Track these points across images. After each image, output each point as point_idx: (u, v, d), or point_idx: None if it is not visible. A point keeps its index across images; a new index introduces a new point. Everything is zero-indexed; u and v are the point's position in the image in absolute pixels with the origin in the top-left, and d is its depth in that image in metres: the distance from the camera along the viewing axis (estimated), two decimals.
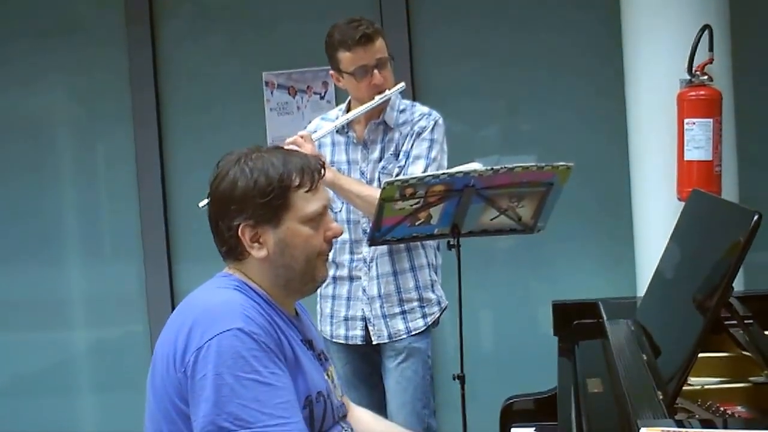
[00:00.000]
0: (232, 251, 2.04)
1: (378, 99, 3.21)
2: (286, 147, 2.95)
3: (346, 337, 3.37)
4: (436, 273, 3.39)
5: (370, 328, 3.33)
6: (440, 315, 3.39)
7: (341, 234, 2.18)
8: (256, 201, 1.98)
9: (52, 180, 4.98)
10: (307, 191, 2.02)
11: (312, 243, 2.04)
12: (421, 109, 3.32)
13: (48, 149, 4.98)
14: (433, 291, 3.36)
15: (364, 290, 3.33)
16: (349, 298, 3.35)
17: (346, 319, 3.36)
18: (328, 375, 2.15)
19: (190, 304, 2.02)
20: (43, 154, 4.97)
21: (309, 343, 2.11)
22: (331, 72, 3.30)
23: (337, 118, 3.34)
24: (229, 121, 4.74)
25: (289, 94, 4.67)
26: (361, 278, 3.32)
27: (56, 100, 5.03)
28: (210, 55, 4.82)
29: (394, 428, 2.41)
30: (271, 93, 4.69)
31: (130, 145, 4.83)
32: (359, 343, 3.35)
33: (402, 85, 3.28)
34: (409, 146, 3.25)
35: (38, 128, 4.97)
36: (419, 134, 3.25)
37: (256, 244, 2.01)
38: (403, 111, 3.32)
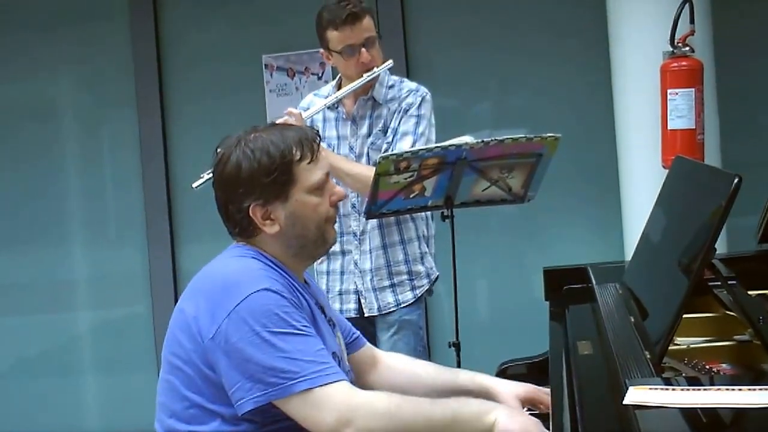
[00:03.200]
0: (245, 231, 2.03)
1: (366, 77, 3.17)
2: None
3: (341, 311, 3.34)
4: (427, 244, 3.36)
5: (362, 300, 3.32)
6: (431, 286, 3.36)
7: (345, 197, 2.17)
8: (262, 180, 1.97)
9: (59, 165, 4.96)
10: (308, 162, 2.01)
11: (320, 210, 2.04)
12: (408, 85, 3.28)
13: (55, 136, 4.96)
14: (423, 263, 3.33)
15: (356, 264, 3.31)
16: (342, 273, 3.33)
17: (340, 293, 3.34)
18: (337, 339, 2.16)
19: (209, 274, 2.01)
20: (51, 140, 4.95)
21: (321, 309, 2.12)
22: (321, 51, 3.25)
23: (328, 95, 3.31)
24: (231, 103, 4.73)
25: (288, 75, 4.65)
26: (351, 252, 3.30)
27: (63, 88, 5.02)
28: (211, 41, 4.80)
29: (424, 364, 2.38)
30: (271, 75, 4.67)
31: (134, 130, 4.81)
32: (353, 315, 3.33)
33: (390, 62, 3.24)
34: (397, 123, 3.21)
35: (45, 115, 4.95)
36: (406, 111, 3.21)
37: (268, 222, 2.01)
38: (391, 87, 3.28)
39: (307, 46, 4.57)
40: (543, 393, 2.23)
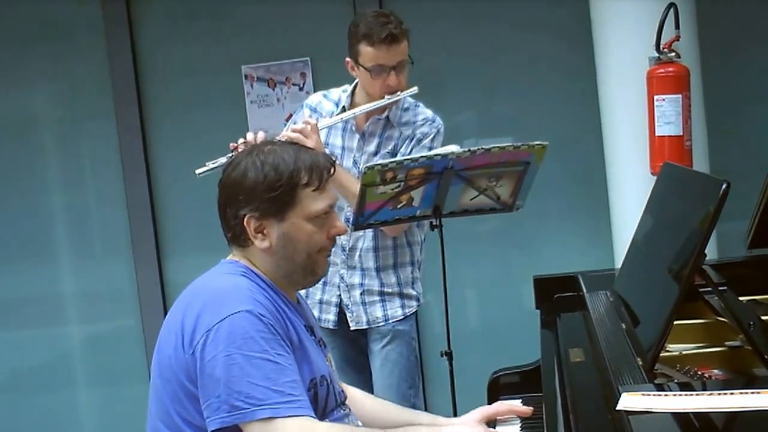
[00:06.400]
0: (237, 238, 2.07)
1: (387, 99, 3.17)
2: (291, 134, 2.97)
3: (319, 320, 3.34)
4: (418, 269, 3.40)
5: (348, 314, 3.33)
6: (417, 308, 3.40)
7: (345, 233, 2.18)
8: (263, 195, 2.01)
9: (42, 183, 4.95)
10: (314, 190, 2.04)
11: (314, 239, 2.06)
12: (424, 112, 3.29)
13: (36, 154, 4.95)
14: (413, 287, 3.37)
15: (342, 277, 3.32)
16: (324, 283, 3.32)
17: (320, 302, 3.35)
18: (327, 360, 2.18)
19: (197, 288, 2.04)
20: (32, 158, 4.94)
21: (311, 329, 2.14)
22: (348, 59, 3.21)
23: (339, 100, 3.30)
24: (212, 115, 4.73)
25: (269, 86, 4.67)
26: (338, 264, 3.30)
27: (41, 106, 5.00)
28: (189, 52, 4.80)
29: (386, 404, 2.44)
30: (251, 86, 4.68)
31: (114, 145, 4.81)
32: (331, 327, 3.34)
33: (414, 89, 3.22)
34: (408, 150, 3.23)
35: (26, 134, 4.94)
36: (420, 140, 3.24)
37: (259, 235, 2.04)
38: (406, 110, 3.29)
39: (288, 55, 4.61)
40: (498, 406, 2.33)
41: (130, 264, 4.86)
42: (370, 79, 3.16)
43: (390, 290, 3.32)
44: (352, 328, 3.34)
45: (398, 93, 3.17)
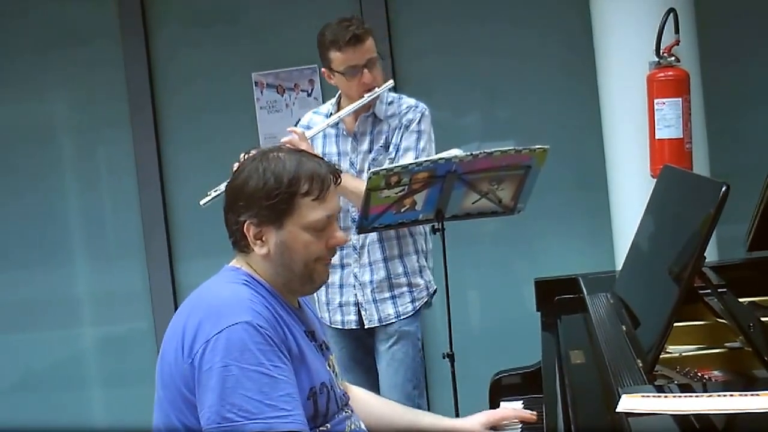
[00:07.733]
0: (238, 243, 2.04)
1: (367, 97, 3.20)
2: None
3: (342, 323, 3.36)
4: (426, 258, 3.39)
5: (363, 312, 3.33)
6: (429, 299, 3.38)
7: (345, 243, 2.15)
8: (262, 202, 1.97)
9: (58, 188, 4.96)
10: (313, 199, 1.98)
11: (311, 249, 2.01)
12: (407, 101, 3.32)
13: (52, 159, 4.95)
14: (422, 276, 3.35)
15: (355, 276, 3.32)
16: (341, 285, 3.33)
17: (340, 305, 3.35)
18: (329, 365, 2.13)
19: (199, 296, 2.01)
20: (48, 164, 4.94)
21: (311, 335, 2.09)
22: (323, 69, 3.27)
23: (329, 113, 3.33)
24: (223, 121, 4.73)
25: (278, 92, 4.66)
26: (351, 265, 3.32)
27: (58, 112, 5.01)
28: (202, 59, 4.80)
29: (390, 404, 2.42)
30: (261, 92, 4.68)
31: (129, 149, 4.81)
32: (354, 327, 3.35)
33: (390, 82, 3.28)
34: (398, 139, 3.24)
35: (43, 140, 4.94)
36: (407, 127, 3.24)
37: (258, 242, 2.00)
38: (390, 103, 3.31)
39: (296, 62, 4.61)
40: (504, 411, 2.33)
41: (143, 267, 4.84)
42: (346, 81, 3.21)
43: (398, 281, 3.30)
44: (366, 326, 3.33)
45: (375, 89, 3.21)
